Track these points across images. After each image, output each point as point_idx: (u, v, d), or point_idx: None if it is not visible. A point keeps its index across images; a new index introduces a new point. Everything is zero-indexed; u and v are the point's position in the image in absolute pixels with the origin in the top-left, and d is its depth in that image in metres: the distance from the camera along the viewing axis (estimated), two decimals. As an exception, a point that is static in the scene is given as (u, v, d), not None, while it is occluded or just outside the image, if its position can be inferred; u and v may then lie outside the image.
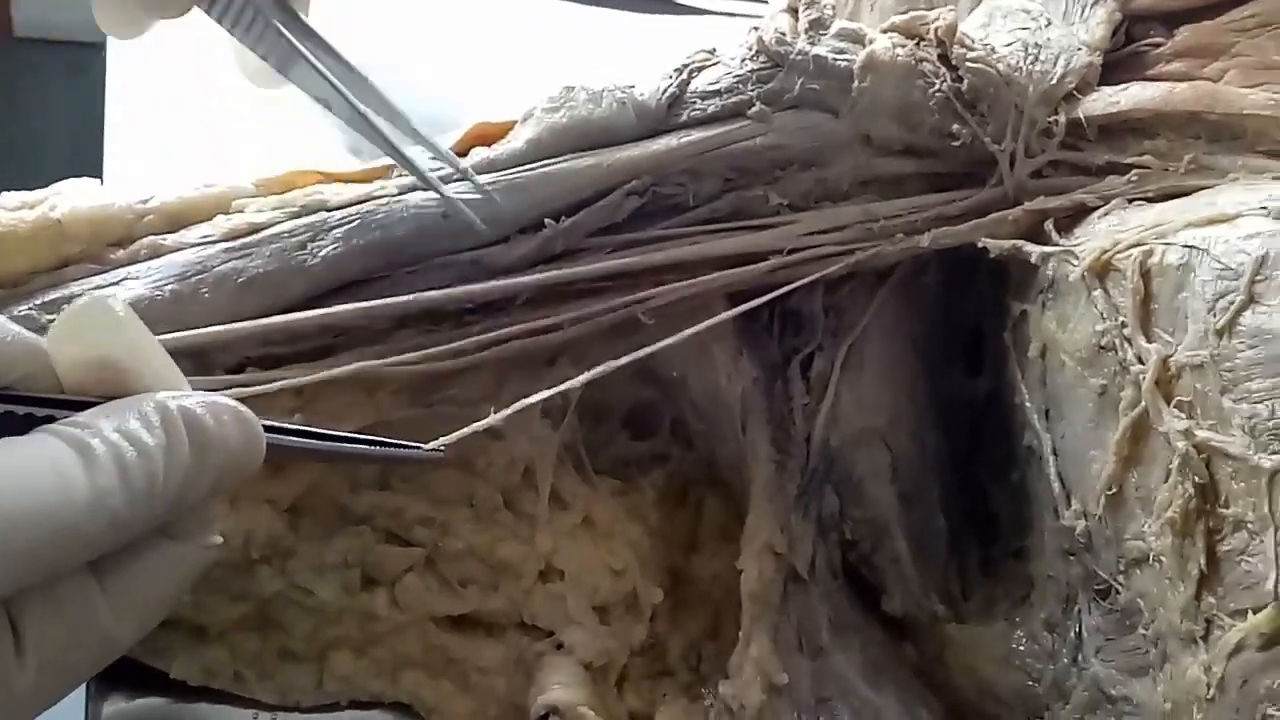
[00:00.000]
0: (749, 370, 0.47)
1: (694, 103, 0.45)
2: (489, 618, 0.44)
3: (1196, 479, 0.37)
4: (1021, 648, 0.45)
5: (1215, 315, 0.38)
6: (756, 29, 0.47)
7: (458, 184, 0.42)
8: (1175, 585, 0.38)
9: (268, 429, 0.30)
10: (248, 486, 0.41)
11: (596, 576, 0.45)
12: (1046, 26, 0.49)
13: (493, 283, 0.43)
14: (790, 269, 0.45)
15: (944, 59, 0.46)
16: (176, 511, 0.27)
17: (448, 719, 0.44)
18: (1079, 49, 0.48)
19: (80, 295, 0.42)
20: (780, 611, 0.44)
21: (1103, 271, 0.41)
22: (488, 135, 0.46)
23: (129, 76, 0.65)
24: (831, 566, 0.47)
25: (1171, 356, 0.39)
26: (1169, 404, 0.38)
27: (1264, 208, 0.39)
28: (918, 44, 0.46)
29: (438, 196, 0.43)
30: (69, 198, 0.44)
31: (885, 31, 0.47)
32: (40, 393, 0.27)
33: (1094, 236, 0.43)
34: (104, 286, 0.42)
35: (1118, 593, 0.41)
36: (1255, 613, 0.35)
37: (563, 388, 0.41)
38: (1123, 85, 0.47)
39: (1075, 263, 0.42)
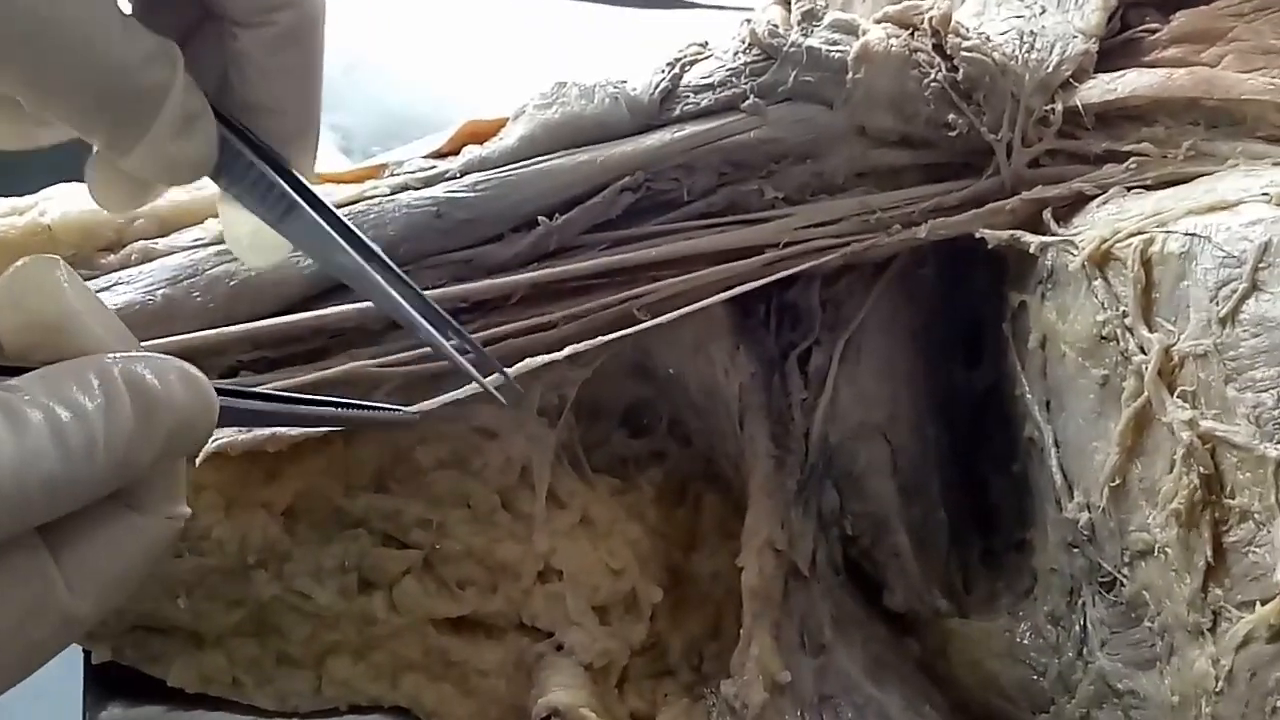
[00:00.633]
0: (746, 365, 0.46)
1: (687, 97, 0.45)
2: (488, 619, 0.44)
3: (1201, 469, 0.37)
4: (1025, 641, 0.44)
5: (1218, 304, 0.37)
6: (749, 21, 0.46)
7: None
8: (1181, 577, 0.37)
9: (221, 391, 0.29)
10: (242, 490, 0.41)
11: (595, 576, 0.45)
12: (1041, 14, 0.49)
13: (487, 281, 0.43)
14: (786, 262, 0.45)
15: (939, 49, 0.46)
16: (126, 475, 0.26)
17: (448, 722, 0.43)
18: (1075, 36, 0.47)
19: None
20: (782, 609, 0.44)
21: (1103, 261, 0.41)
22: (480, 133, 0.46)
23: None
24: (832, 562, 0.46)
25: (1174, 346, 0.38)
26: (1172, 394, 0.38)
27: (1265, 194, 0.39)
28: (912, 34, 0.46)
29: (430, 196, 0.43)
30: (59, 203, 0.43)
31: (879, 22, 0.47)
32: None
33: (1093, 225, 0.43)
34: (96, 292, 0.42)
35: (1122, 585, 0.40)
36: (1263, 604, 0.35)
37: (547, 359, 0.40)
38: (1119, 72, 0.47)
39: (1075, 252, 0.42)
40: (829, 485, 0.47)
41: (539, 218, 0.43)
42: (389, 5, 0.70)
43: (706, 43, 0.47)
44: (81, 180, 0.33)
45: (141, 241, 0.43)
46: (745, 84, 0.45)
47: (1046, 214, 0.44)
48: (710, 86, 0.45)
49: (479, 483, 0.44)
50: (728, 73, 0.45)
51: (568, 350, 0.42)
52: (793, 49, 0.45)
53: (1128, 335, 0.40)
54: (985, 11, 0.50)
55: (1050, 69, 0.46)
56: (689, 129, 0.45)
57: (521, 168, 0.44)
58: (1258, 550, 0.35)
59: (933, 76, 0.45)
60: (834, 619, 0.45)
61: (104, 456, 0.25)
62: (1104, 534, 0.41)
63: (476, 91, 0.63)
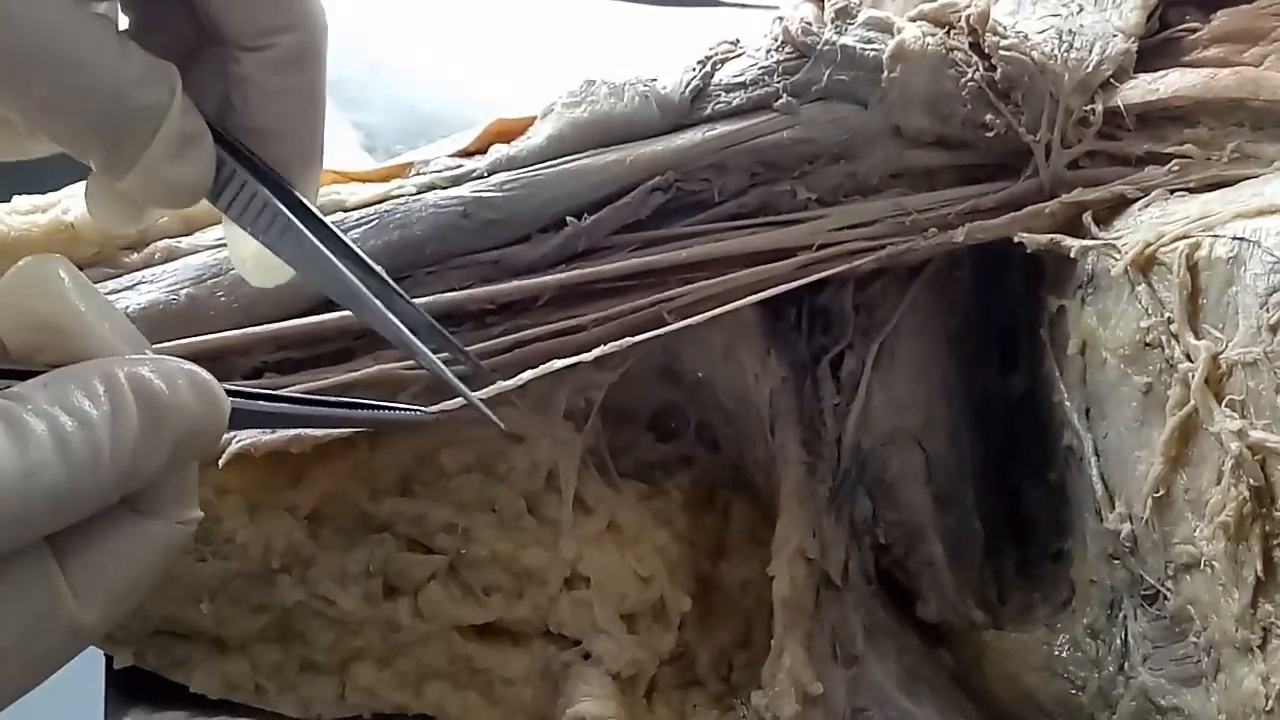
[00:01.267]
0: (777, 370, 0.46)
1: (718, 96, 0.44)
2: (514, 626, 0.43)
3: (1251, 481, 0.36)
4: (1064, 655, 0.43)
5: (1269, 310, 0.36)
6: (781, 19, 0.45)
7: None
8: (1229, 592, 0.36)
9: (232, 393, 0.28)
10: (266, 494, 0.41)
11: (623, 583, 0.44)
12: (1079, 13, 0.48)
13: (514, 283, 0.42)
14: (819, 265, 0.44)
15: (975, 47, 0.45)
16: (133, 484, 0.26)
17: (472, 731, 0.43)
18: (1114, 35, 0.46)
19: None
20: (813, 619, 0.43)
21: (1146, 265, 0.40)
22: (507, 131, 0.45)
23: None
24: (865, 572, 0.46)
25: (1222, 353, 0.37)
26: (1220, 403, 0.37)
27: (1316, 198, 0.38)
28: (948, 32, 0.45)
29: (457, 195, 0.42)
30: (81, 201, 0.43)
31: (914, 20, 0.46)
32: None
33: (1136, 229, 0.42)
34: (119, 291, 0.42)
35: (1166, 599, 0.39)
36: (1315, 621, 0.34)
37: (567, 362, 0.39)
38: (1161, 72, 0.46)
39: (1117, 256, 0.41)
40: (862, 493, 0.46)
41: (567, 218, 0.43)
42: (414, 3, 0.69)
43: (738, 40, 0.46)
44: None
45: (165, 240, 0.43)
46: (778, 82, 0.44)
47: (1087, 217, 0.43)
48: (742, 85, 0.44)
49: (505, 487, 0.43)
50: (760, 71, 0.44)
51: (595, 352, 0.41)
52: (826, 47, 0.44)
53: (1173, 342, 0.39)
54: (1020, 10, 0.49)
55: (1090, 68, 0.45)
56: (720, 128, 0.44)
57: (549, 167, 0.43)
58: (1312, 566, 0.34)
59: (970, 76, 0.44)
60: (866, 630, 0.44)
61: (110, 466, 0.25)
62: (1147, 546, 0.40)
63: (503, 90, 0.63)
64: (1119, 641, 0.42)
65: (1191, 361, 0.38)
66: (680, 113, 0.44)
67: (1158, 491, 0.39)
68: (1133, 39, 0.47)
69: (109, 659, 0.42)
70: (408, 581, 0.42)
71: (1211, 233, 0.39)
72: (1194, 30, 0.48)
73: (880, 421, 0.46)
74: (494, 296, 0.42)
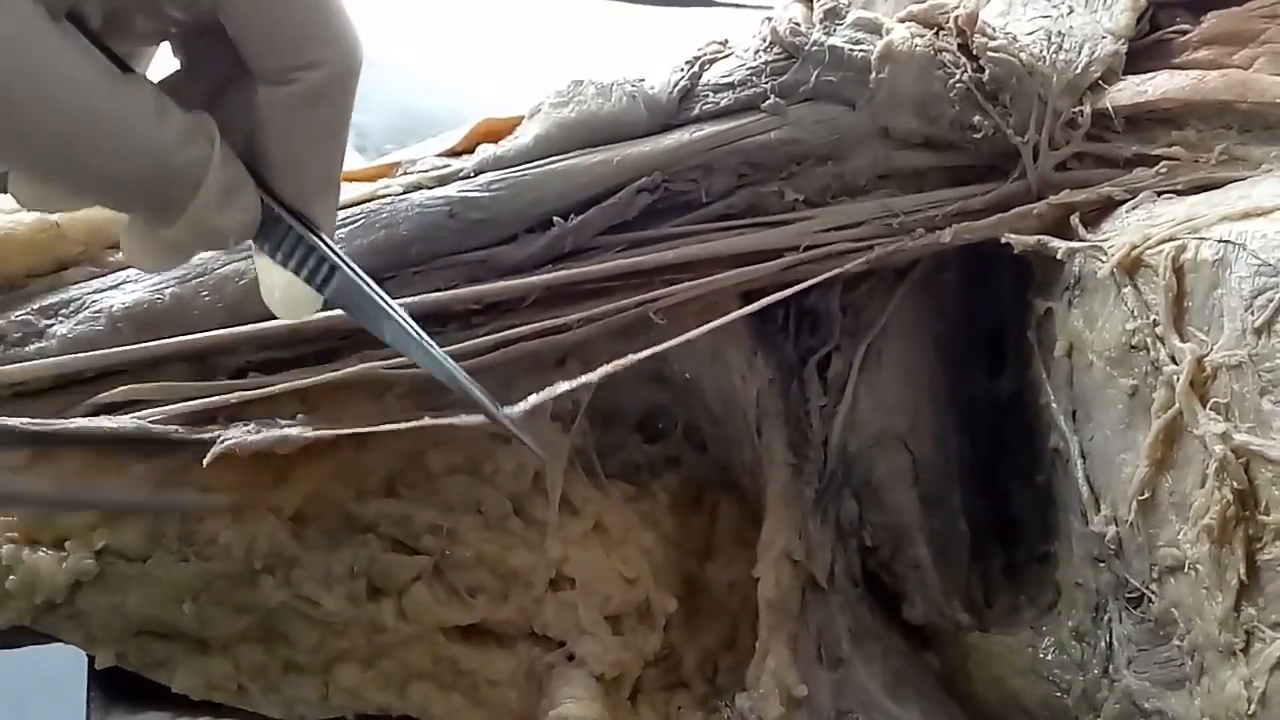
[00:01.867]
0: (764, 371, 0.46)
1: (706, 96, 0.44)
2: (499, 628, 0.43)
3: (1235, 484, 0.35)
4: (1049, 657, 0.43)
5: (1253, 313, 0.36)
6: (770, 19, 0.45)
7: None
8: (1213, 595, 0.36)
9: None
10: (250, 494, 0.40)
11: (608, 585, 0.44)
12: (1069, 14, 0.48)
13: (500, 283, 0.42)
14: (806, 266, 0.44)
15: (964, 49, 0.45)
16: None
17: (457, 732, 0.43)
18: (1103, 37, 0.46)
19: (79, 299, 0.41)
20: (799, 621, 0.43)
21: (1133, 267, 0.40)
22: (494, 131, 0.45)
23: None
24: (851, 574, 0.46)
25: (1207, 356, 0.37)
26: (1204, 406, 0.37)
27: (1302, 200, 0.38)
28: (937, 33, 0.45)
29: (443, 195, 0.42)
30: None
31: (903, 21, 0.46)
32: None
33: (1123, 231, 0.41)
34: (103, 290, 0.42)
35: (1151, 601, 0.39)
36: (1298, 625, 0.34)
37: (574, 384, 0.39)
38: (1150, 74, 0.46)
39: (1104, 258, 0.41)
40: (848, 495, 0.46)
41: (554, 218, 0.43)
42: (404, 3, 0.69)
43: (726, 41, 0.46)
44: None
45: (150, 239, 0.43)
46: (766, 83, 0.44)
47: (1074, 219, 0.43)
48: (730, 86, 0.44)
49: (491, 488, 0.43)
50: (748, 72, 0.44)
51: (599, 373, 0.39)
52: (815, 48, 0.44)
53: (1158, 344, 0.39)
54: (1011, 11, 0.49)
55: (1079, 70, 0.45)
56: (708, 129, 0.44)
57: (536, 167, 0.43)
58: (1294, 570, 0.34)
59: (958, 77, 0.44)
60: (852, 632, 0.44)
61: None
62: (1132, 548, 0.40)
63: (492, 89, 0.63)
64: (1104, 644, 0.42)
65: (1177, 364, 0.38)
66: (668, 113, 0.44)
67: (1142, 494, 0.39)
68: (1122, 41, 0.47)
69: (91, 659, 0.42)
70: (392, 583, 0.42)
71: (1197, 235, 0.39)
72: (1184, 32, 0.48)
73: (867, 423, 0.46)
74: (480, 296, 0.42)
